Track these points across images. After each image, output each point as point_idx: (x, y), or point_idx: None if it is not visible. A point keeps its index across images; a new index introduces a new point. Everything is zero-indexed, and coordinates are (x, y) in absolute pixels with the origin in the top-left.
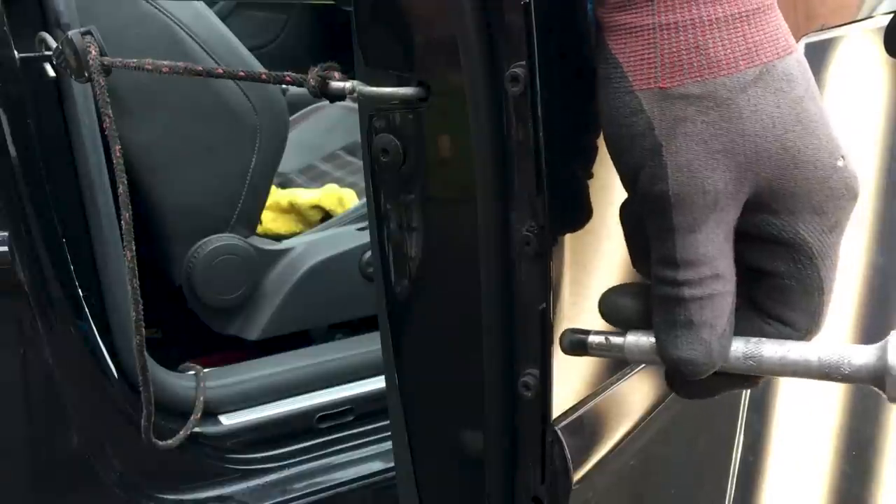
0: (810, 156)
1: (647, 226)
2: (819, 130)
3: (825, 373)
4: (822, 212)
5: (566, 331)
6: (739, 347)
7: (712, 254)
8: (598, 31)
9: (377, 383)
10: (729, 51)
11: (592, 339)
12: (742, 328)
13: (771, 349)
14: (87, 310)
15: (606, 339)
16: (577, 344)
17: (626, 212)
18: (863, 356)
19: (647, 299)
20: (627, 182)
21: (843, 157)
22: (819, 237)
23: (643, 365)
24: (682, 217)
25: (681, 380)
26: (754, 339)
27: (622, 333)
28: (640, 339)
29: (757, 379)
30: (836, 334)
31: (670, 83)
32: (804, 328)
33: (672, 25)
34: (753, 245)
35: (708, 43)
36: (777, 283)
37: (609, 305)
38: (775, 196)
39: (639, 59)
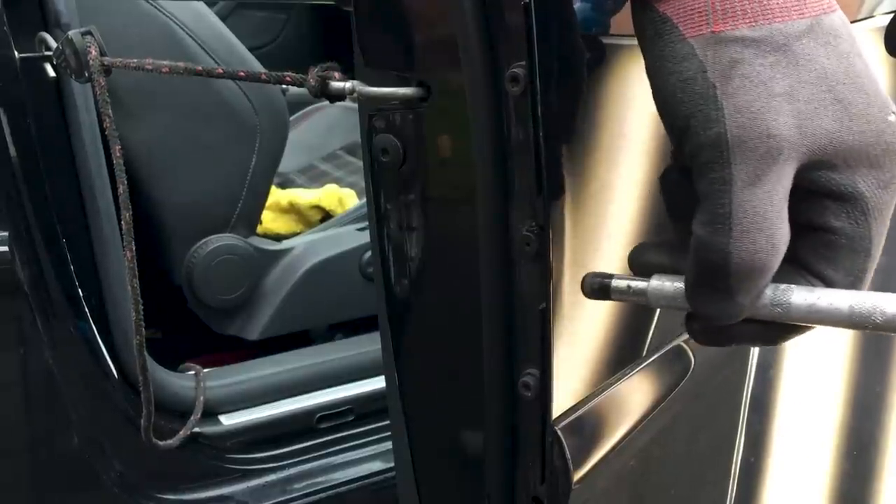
0: (861, 110)
1: (697, 183)
2: (867, 86)
3: (855, 322)
4: (879, 165)
5: (587, 274)
6: (767, 294)
7: (771, 217)
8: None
9: (377, 383)
10: (781, 0)
11: (616, 283)
12: (775, 278)
13: (800, 296)
14: (87, 310)
15: (629, 283)
16: (600, 288)
17: (667, 178)
18: None
19: (680, 255)
20: (676, 138)
21: (893, 112)
22: (875, 192)
23: (643, 364)
24: (741, 167)
25: (701, 327)
26: (783, 286)
27: (646, 279)
28: (664, 285)
29: (779, 335)
30: (835, 333)
31: (723, 27)
32: (842, 288)
33: None
34: (805, 199)
35: None
36: (825, 238)
37: (638, 257)
38: (834, 149)
39: (689, 10)
